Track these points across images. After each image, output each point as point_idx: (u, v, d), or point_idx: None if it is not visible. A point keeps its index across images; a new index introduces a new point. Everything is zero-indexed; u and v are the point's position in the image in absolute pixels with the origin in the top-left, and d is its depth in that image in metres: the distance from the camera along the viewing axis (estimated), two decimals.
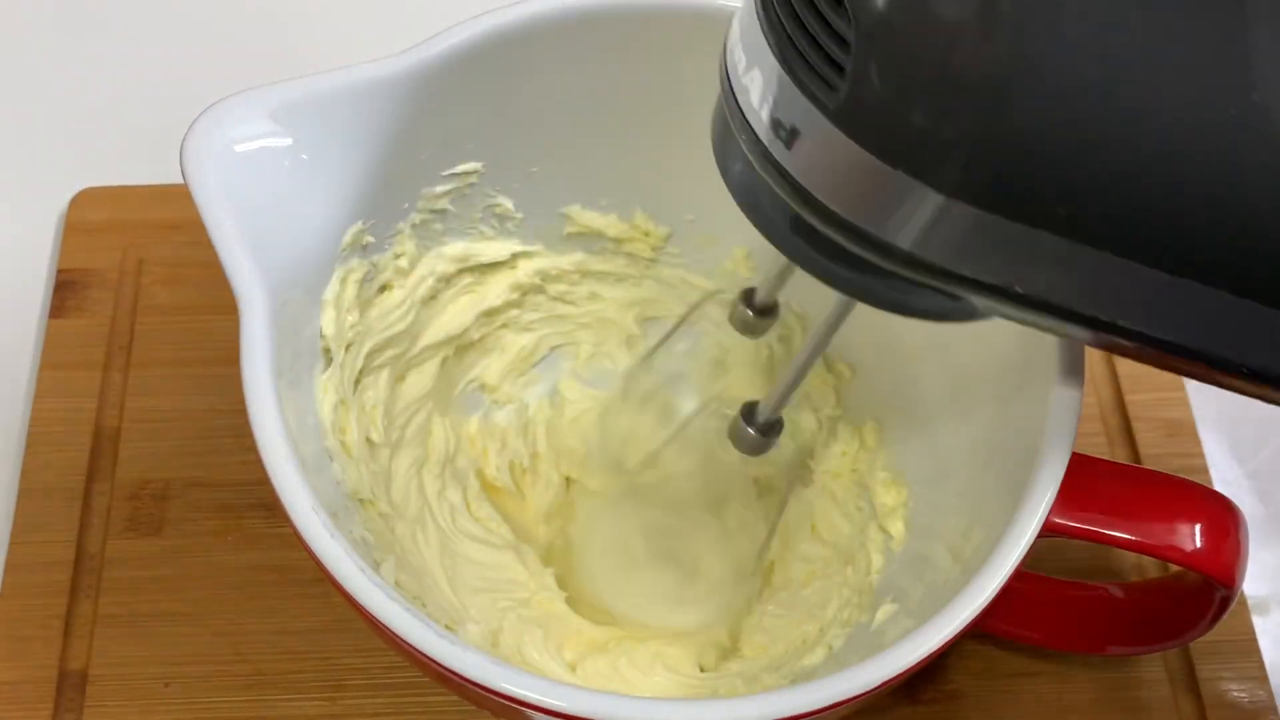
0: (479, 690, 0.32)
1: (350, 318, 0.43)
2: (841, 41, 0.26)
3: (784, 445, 0.46)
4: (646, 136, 0.46)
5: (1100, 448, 0.52)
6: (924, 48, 0.26)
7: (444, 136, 0.43)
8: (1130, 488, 0.38)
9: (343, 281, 0.42)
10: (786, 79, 0.28)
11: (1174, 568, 0.43)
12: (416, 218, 0.45)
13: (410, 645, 0.32)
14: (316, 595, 0.47)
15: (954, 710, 0.47)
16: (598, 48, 0.42)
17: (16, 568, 0.48)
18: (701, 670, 0.46)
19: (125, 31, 0.64)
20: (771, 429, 0.41)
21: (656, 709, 0.33)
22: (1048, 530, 0.35)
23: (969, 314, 0.32)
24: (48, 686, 0.46)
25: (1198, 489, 0.38)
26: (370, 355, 0.44)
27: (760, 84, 0.29)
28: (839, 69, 0.27)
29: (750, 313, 0.41)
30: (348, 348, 0.43)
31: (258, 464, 0.34)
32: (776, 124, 0.29)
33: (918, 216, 0.27)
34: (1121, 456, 0.52)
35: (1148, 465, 0.51)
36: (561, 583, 0.48)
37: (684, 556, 0.49)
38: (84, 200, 0.57)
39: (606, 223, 0.49)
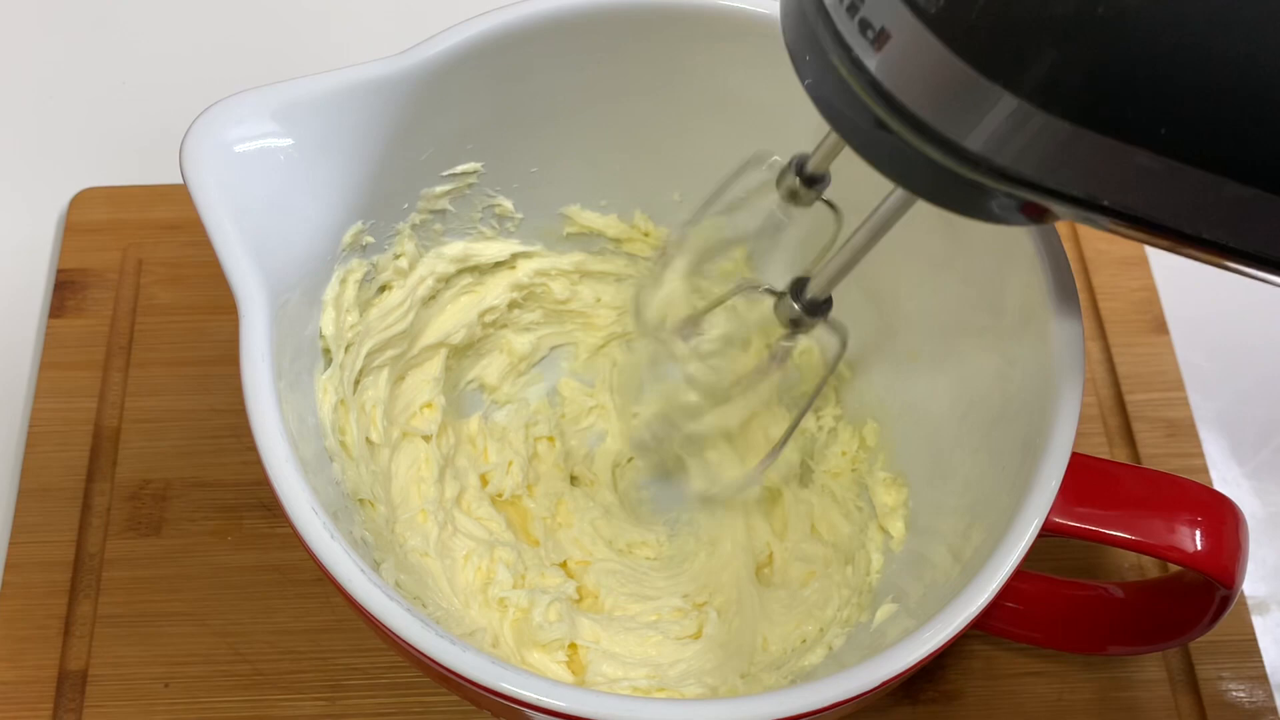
0: (479, 690, 0.32)
1: (350, 318, 0.43)
2: None
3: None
4: (646, 137, 0.46)
5: (1100, 448, 0.52)
6: None
7: (443, 137, 0.43)
8: (1130, 488, 0.38)
9: (342, 282, 0.42)
10: None
11: (1174, 567, 0.43)
12: (416, 218, 0.45)
13: (410, 645, 0.32)
14: (316, 595, 0.47)
15: (954, 710, 0.47)
16: (597, 48, 0.42)
17: (16, 568, 0.48)
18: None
19: (125, 32, 0.64)
20: (817, 309, 0.39)
21: (656, 709, 0.32)
22: (1048, 530, 0.35)
23: (1038, 219, 0.31)
24: (48, 686, 0.46)
25: (1198, 489, 0.38)
26: (370, 355, 0.44)
27: None
28: None
29: (799, 180, 0.39)
30: (347, 348, 0.43)
31: (258, 464, 0.34)
32: (865, 24, 0.27)
33: (1009, 129, 0.26)
34: (1121, 456, 0.52)
35: (1148, 465, 0.51)
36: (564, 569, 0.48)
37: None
38: (84, 200, 0.57)
39: (606, 223, 0.49)
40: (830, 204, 0.40)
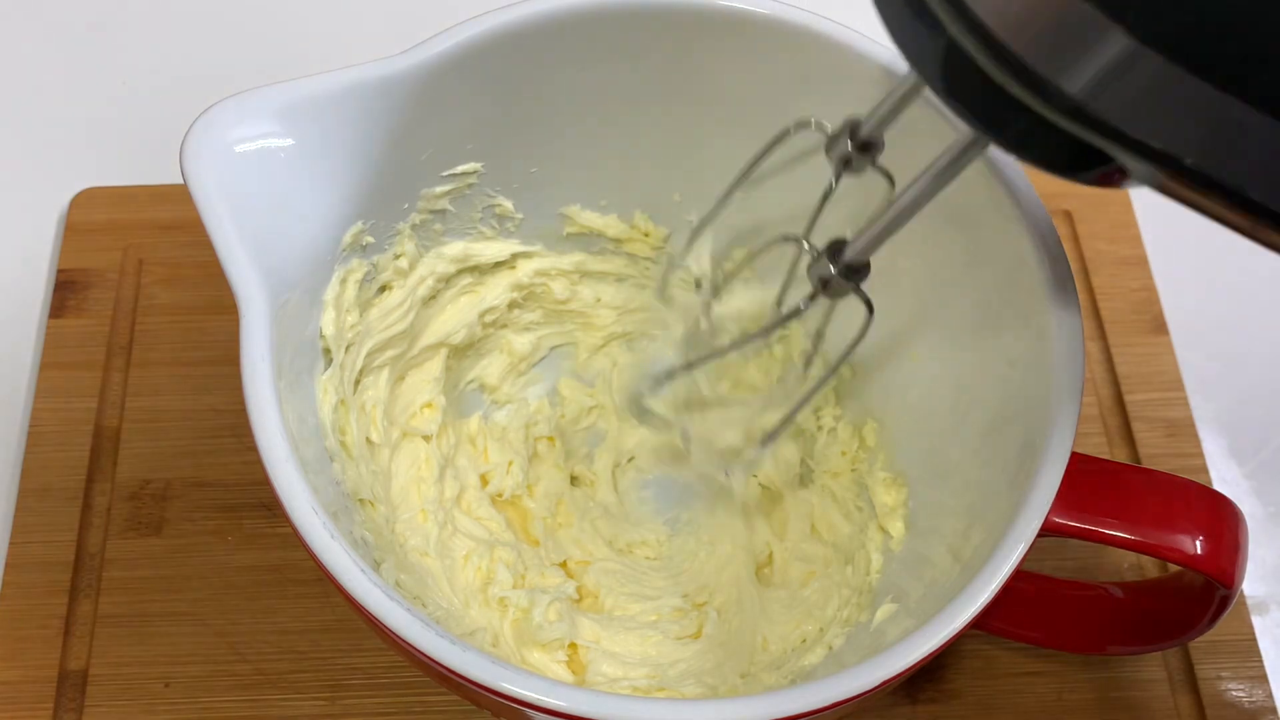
0: (479, 690, 0.32)
1: (350, 318, 0.43)
2: None
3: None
4: (646, 137, 0.46)
5: (1100, 448, 0.52)
6: None
7: (443, 137, 0.43)
8: (1130, 488, 0.38)
9: (342, 282, 0.42)
10: None
11: (1173, 567, 0.43)
12: (416, 218, 0.45)
13: (410, 645, 0.32)
14: (316, 595, 0.48)
15: (954, 709, 0.47)
16: (597, 48, 0.42)
17: (17, 567, 0.48)
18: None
19: (126, 33, 0.64)
20: (855, 273, 0.37)
21: (656, 709, 0.32)
22: (1047, 530, 0.35)
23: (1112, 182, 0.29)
24: (48, 686, 0.46)
25: (1197, 489, 0.38)
26: (370, 355, 0.44)
27: None
28: None
29: (850, 146, 0.37)
30: (348, 348, 0.43)
31: (258, 464, 0.34)
32: None
33: (1102, 63, 0.25)
34: (1121, 456, 0.52)
35: (1147, 465, 0.51)
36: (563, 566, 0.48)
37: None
38: (84, 201, 0.57)
39: (606, 223, 0.49)
40: (885, 171, 0.38)
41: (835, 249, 0.37)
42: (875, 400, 0.48)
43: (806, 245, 0.39)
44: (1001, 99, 0.27)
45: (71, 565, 0.48)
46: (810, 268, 0.38)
